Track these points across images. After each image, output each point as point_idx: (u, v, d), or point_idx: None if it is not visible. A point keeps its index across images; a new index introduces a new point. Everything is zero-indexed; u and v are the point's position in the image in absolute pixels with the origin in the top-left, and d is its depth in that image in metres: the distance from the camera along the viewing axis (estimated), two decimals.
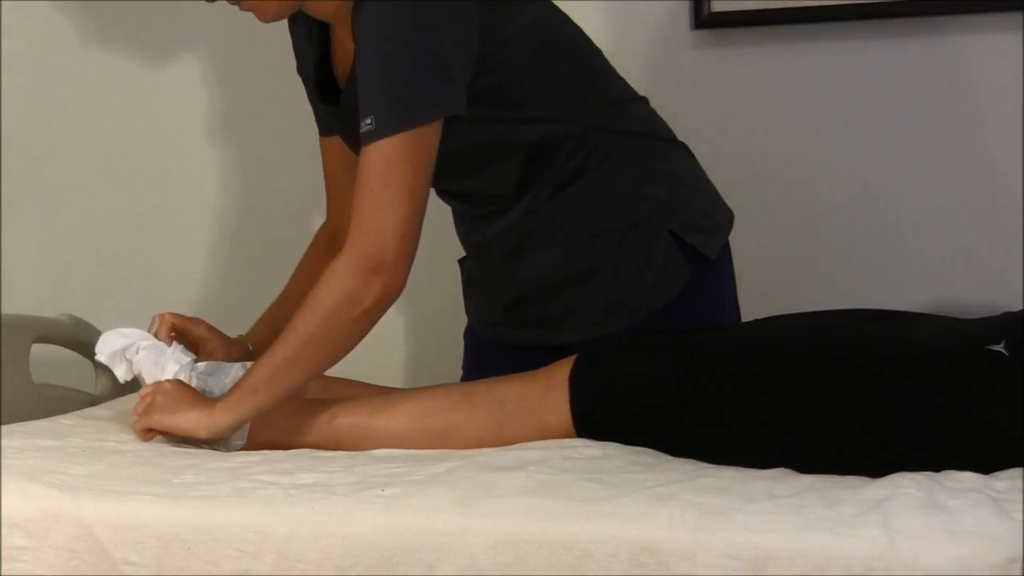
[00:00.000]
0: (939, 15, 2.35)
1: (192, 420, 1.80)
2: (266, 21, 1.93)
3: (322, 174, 2.58)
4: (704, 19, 2.41)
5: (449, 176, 1.89)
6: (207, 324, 2.01)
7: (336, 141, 2.06)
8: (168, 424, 1.81)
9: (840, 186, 2.42)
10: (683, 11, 2.42)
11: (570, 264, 1.93)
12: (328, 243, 2.11)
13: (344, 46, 1.94)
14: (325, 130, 2.10)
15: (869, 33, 2.38)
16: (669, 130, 2.03)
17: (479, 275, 2.06)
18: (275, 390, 1.78)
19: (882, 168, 2.41)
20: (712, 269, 1.97)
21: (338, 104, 1.97)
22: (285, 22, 2.03)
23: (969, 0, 2.33)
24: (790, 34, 2.41)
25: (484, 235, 1.98)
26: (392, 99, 1.76)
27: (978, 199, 2.37)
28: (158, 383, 1.85)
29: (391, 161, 1.75)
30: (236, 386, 1.80)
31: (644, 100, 2.03)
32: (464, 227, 2.05)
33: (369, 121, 1.76)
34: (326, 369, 1.82)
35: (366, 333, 1.79)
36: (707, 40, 2.43)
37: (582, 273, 1.92)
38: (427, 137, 1.78)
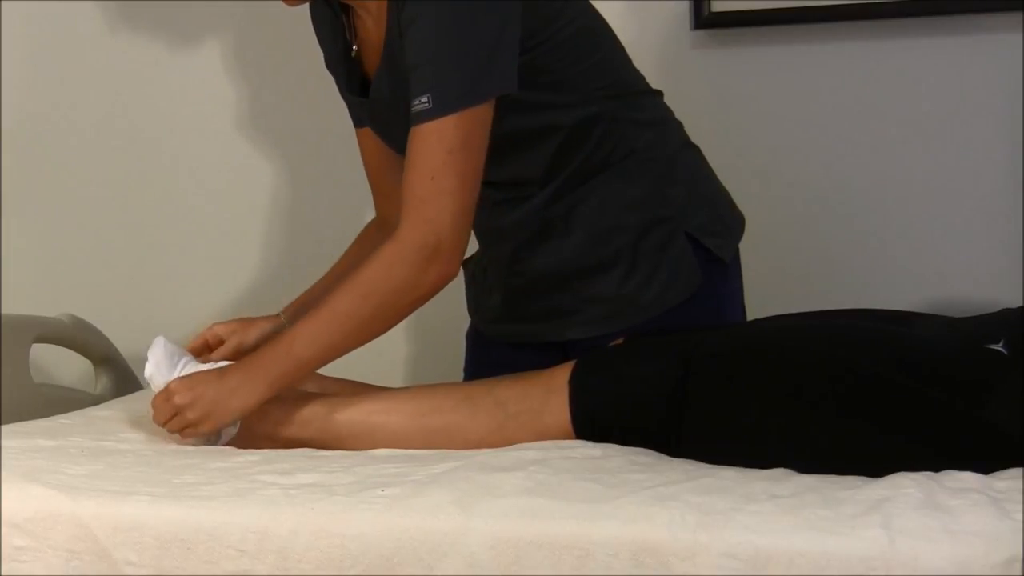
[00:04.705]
0: (939, 15, 2.35)
1: (238, 412, 1.79)
2: (292, 5, 1.92)
3: (319, 174, 2.59)
4: (704, 19, 2.41)
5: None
6: (235, 324, 1.98)
7: (370, 131, 2.04)
8: (218, 428, 1.80)
9: (839, 186, 2.42)
10: (683, 11, 2.42)
11: (586, 255, 1.92)
12: (379, 231, 2.07)
13: (371, 34, 1.92)
14: (359, 121, 2.07)
15: (869, 33, 2.38)
16: (684, 131, 2.03)
17: (489, 266, 2.04)
18: (319, 364, 1.81)
19: (882, 168, 2.41)
20: (724, 272, 1.97)
21: (367, 96, 1.95)
22: (304, 19, 2.01)
23: (969, 0, 2.33)
24: (790, 34, 2.41)
25: (503, 222, 1.96)
26: (452, 76, 1.74)
27: (978, 199, 2.37)
28: (166, 390, 1.81)
29: (452, 148, 1.74)
30: (279, 357, 1.78)
31: (661, 94, 2.03)
32: (482, 214, 2.02)
33: (425, 99, 1.74)
34: (366, 343, 1.84)
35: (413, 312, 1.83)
36: (707, 40, 2.43)
37: (597, 266, 1.92)
38: (485, 117, 1.77)
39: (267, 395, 1.79)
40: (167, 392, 1.81)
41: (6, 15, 2.73)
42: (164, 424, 1.81)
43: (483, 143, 1.78)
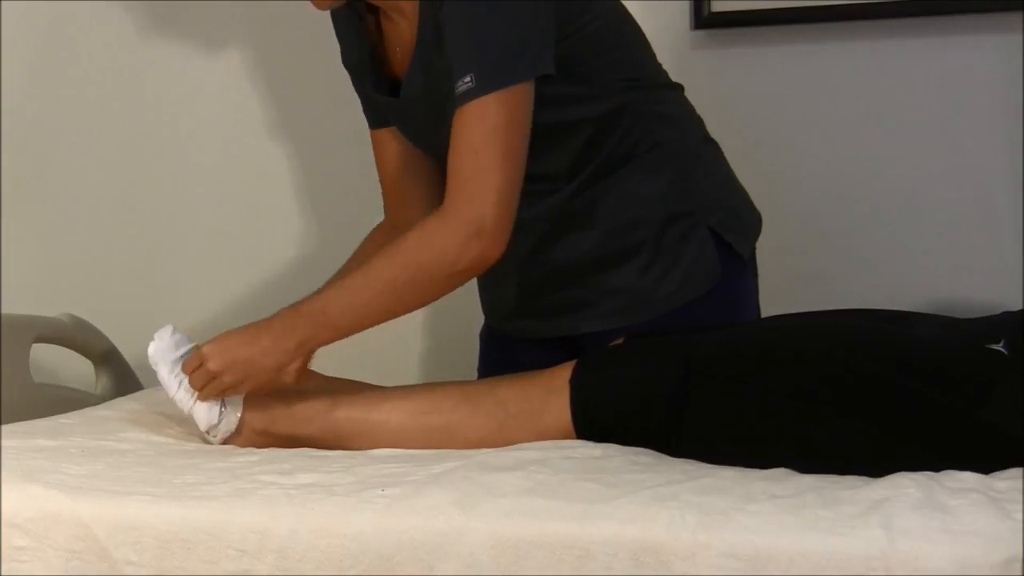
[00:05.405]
0: (939, 15, 2.35)
1: (273, 370, 1.78)
2: (322, 8, 1.92)
3: (322, 174, 2.57)
4: (704, 19, 2.41)
5: None
6: None
7: (389, 132, 2.04)
8: (247, 385, 1.79)
9: (839, 186, 2.42)
10: (683, 11, 2.42)
11: (606, 247, 1.92)
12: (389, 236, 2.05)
13: (402, 34, 1.92)
14: (377, 122, 2.06)
15: (869, 33, 2.38)
16: (704, 126, 2.04)
17: (505, 260, 2.04)
18: (349, 328, 1.80)
19: (881, 168, 2.41)
20: (742, 268, 1.98)
21: (398, 96, 1.94)
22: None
23: (969, 0, 2.33)
24: (790, 34, 2.41)
25: (527, 215, 1.94)
26: (493, 55, 1.76)
27: (978, 199, 2.37)
28: (198, 356, 1.80)
29: (496, 125, 1.75)
30: (310, 317, 1.78)
31: (682, 88, 2.04)
32: None
33: (468, 79, 1.74)
34: (400, 316, 1.83)
35: (452, 291, 1.81)
36: (707, 40, 2.43)
37: (617, 258, 1.92)
38: (526, 97, 1.78)
39: (297, 356, 1.79)
40: (199, 358, 1.80)
41: (6, 15, 2.73)
42: (200, 389, 1.80)
43: (526, 123, 1.78)
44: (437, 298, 1.82)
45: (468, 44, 1.77)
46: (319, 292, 1.83)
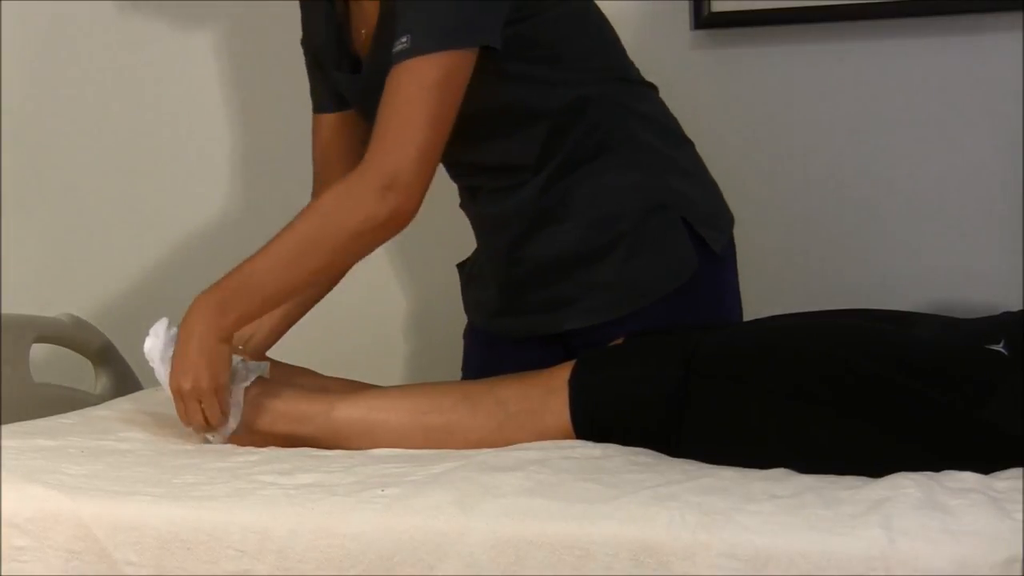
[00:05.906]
0: (939, 15, 2.35)
1: (225, 347, 1.79)
2: None
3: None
4: (704, 19, 2.41)
5: (476, 140, 1.88)
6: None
7: (331, 119, 2.05)
8: (222, 372, 1.79)
9: (839, 186, 2.42)
10: (683, 11, 2.42)
11: (585, 242, 1.92)
12: None
13: (367, 15, 1.93)
14: (324, 106, 2.07)
15: (869, 33, 2.38)
16: (679, 124, 2.04)
17: (487, 261, 2.04)
18: (277, 293, 1.81)
19: (882, 168, 2.41)
20: (718, 264, 1.98)
21: (359, 72, 1.95)
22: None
23: (969, 0, 2.33)
24: (790, 34, 2.41)
25: (500, 210, 1.96)
26: (433, 19, 1.76)
27: (978, 199, 2.37)
28: (175, 394, 1.80)
29: (425, 85, 1.75)
30: (233, 291, 1.80)
31: (656, 88, 2.04)
32: (478, 205, 2.02)
33: (405, 40, 1.75)
34: (317, 278, 1.84)
35: (368, 251, 1.82)
36: (707, 40, 2.43)
37: (595, 252, 1.91)
38: (462, 65, 1.78)
39: (237, 325, 1.80)
40: (175, 394, 1.80)
41: (6, 15, 2.73)
42: (207, 417, 1.80)
43: (458, 91, 1.78)
44: (359, 257, 1.83)
45: (412, 9, 1.77)
46: (244, 262, 1.83)
